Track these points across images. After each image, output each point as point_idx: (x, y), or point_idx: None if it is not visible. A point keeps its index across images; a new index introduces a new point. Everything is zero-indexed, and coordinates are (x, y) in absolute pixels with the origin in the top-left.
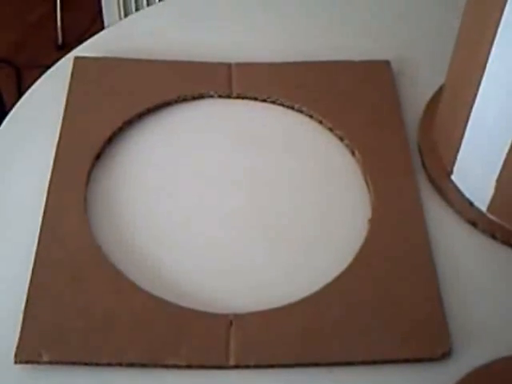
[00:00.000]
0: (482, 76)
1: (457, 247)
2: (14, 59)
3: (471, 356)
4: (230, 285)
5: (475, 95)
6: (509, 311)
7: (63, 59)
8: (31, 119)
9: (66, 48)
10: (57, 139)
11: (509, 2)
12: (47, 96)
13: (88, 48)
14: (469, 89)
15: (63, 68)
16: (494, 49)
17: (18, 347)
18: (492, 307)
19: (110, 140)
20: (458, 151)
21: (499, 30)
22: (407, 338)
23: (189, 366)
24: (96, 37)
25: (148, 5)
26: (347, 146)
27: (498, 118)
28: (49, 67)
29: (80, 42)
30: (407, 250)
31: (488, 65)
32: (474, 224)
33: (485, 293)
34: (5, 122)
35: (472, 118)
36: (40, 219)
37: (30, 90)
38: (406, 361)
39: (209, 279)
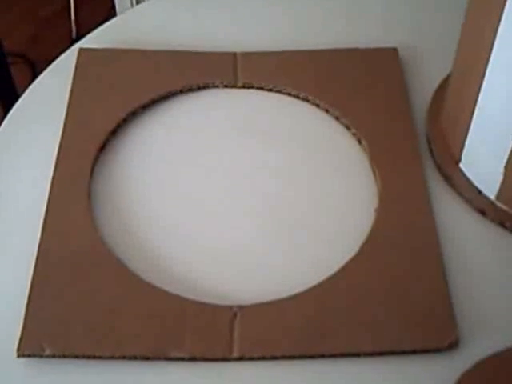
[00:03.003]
0: (487, 63)
1: (465, 236)
2: (28, 54)
3: (479, 346)
4: (233, 276)
5: (481, 82)
6: None
7: (69, 51)
8: (36, 110)
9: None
10: (61, 131)
11: None
12: (52, 88)
13: (93, 39)
14: (475, 76)
15: (69, 60)
16: (498, 35)
17: (20, 341)
18: (500, 297)
19: (115, 132)
20: (465, 139)
21: (503, 16)
22: (414, 329)
23: (192, 359)
24: (101, 28)
25: None
26: (354, 134)
27: (504, 104)
28: None
29: None
30: (414, 239)
31: (493, 51)
32: (482, 212)
33: (493, 282)
34: (10, 113)
35: (479, 105)
36: (43, 211)
37: (35, 82)
38: (413, 352)
39: (213, 271)
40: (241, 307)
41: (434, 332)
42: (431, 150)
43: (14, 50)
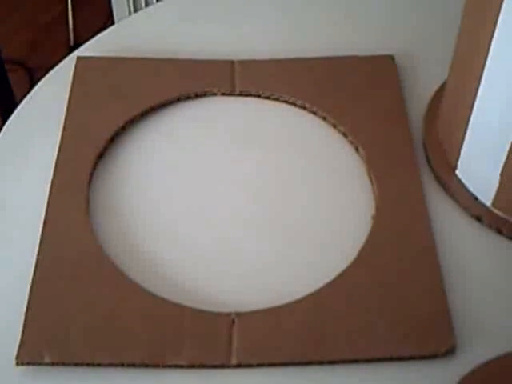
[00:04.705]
0: (483, 70)
1: (462, 243)
2: (26, 61)
3: (476, 352)
4: (231, 283)
5: (477, 89)
6: None
7: (66, 59)
8: (35, 119)
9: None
10: (59, 139)
11: None
12: (50, 96)
13: (91, 47)
14: (470, 83)
15: (66, 68)
16: (494, 43)
17: (19, 349)
18: (497, 303)
19: (113, 139)
20: (461, 146)
21: (498, 24)
22: (411, 335)
23: (191, 366)
24: (99, 36)
25: None
26: (351, 142)
27: (499, 111)
28: None
29: None
30: (411, 246)
31: (489, 59)
32: (479, 219)
33: (490, 288)
34: (9, 122)
35: (474, 112)
36: (42, 219)
37: (33, 90)
38: (410, 358)
39: (211, 278)
40: (239, 314)
41: (432, 338)
42: (428, 157)
43: (12, 57)
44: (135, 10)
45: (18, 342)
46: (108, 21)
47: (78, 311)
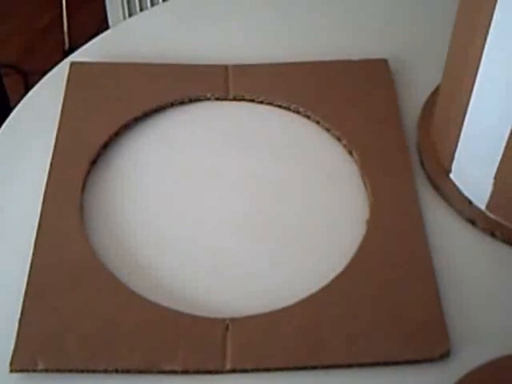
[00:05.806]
0: (476, 74)
1: (456, 246)
2: (21, 65)
3: (470, 356)
4: (226, 289)
5: (470, 93)
6: (509, 311)
7: (61, 64)
8: (29, 123)
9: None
10: (53, 144)
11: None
12: (45, 101)
13: (85, 52)
14: (464, 87)
15: (61, 73)
16: (486, 47)
17: (13, 355)
18: (491, 307)
19: (106, 145)
20: (455, 150)
21: (491, 29)
22: (406, 339)
23: (185, 372)
24: (94, 41)
25: None
26: (345, 146)
27: (492, 115)
28: None
29: None
30: (405, 250)
31: (482, 63)
32: (473, 223)
33: (484, 292)
34: (3, 127)
35: (468, 116)
36: (36, 225)
37: (27, 96)
38: (405, 362)
39: (205, 283)
40: (233, 320)
41: (426, 342)
42: (422, 161)
43: (8, 61)
44: (130, 15)
45: (12, 349)
46: (103, 25)
47: (72, 317)
